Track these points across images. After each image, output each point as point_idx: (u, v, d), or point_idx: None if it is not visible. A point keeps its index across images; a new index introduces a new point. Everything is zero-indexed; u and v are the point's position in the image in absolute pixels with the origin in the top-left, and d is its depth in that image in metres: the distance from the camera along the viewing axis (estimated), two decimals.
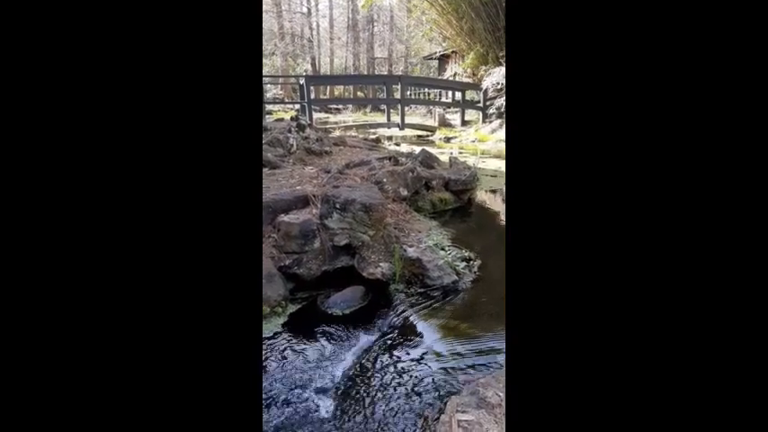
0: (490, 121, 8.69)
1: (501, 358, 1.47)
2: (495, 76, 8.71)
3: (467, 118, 9.47)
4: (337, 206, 2.15)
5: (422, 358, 1.52)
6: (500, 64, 9.08)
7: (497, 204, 3.54)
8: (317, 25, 22.00)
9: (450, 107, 10.38)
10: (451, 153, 5.64)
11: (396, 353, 1.56)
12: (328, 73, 21.18)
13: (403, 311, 1.83)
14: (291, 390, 1.36)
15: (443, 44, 13.14)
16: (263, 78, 11.78)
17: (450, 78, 12.39)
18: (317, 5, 21.81)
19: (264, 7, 16.80)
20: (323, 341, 1.64)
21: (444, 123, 9.50)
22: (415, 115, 11.90)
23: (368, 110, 14.59)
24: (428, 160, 3.69)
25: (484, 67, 9.73)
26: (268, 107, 10.26)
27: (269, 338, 1.65)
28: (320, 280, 2.07)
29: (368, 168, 3.25)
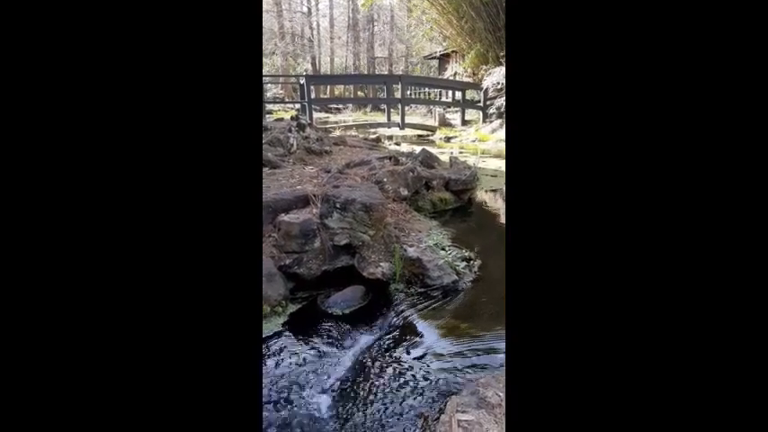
0: (490, 121, 8.69)
1: (501, 358, 1.47)
2: (496, 76, 8.71)
3: (467, 118, 9.47)
4: (337, 206, 2.15)
5: (422, 358, 1.52)
6: (500, 64, 9.07)
7: (498, 204, 3.54)
8: (318, 25, 22.00)
9: (450, 107, 10.38)
10: (452, 153, 5.63)
11: (396, 353, 1.56)
12: (328, 72, 21.18)
13: (403, 311, 1.83)
14: (291, 389, 1.36)
15: (444, 44, 13.13)
16: (264, 78, 11.78)
17: (451, 78, 12.39)
18: (317, 5, 21.81)
19: (265, 7, 16.80)
20: (323, 341, 1.64)
21: (445, 123, 9.49)
22: (416, 115, 11.90)
23: (368, 109, 14.59)
24: (428, 160, 3.69)
25: (484, 67, 9.73)
26: (268, 107, 10.26)
27: (269, 338, 1.65)
28: (320, 279, 2.07)
29: (368, 168, 3.24)
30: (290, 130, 4.25)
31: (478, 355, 1.53)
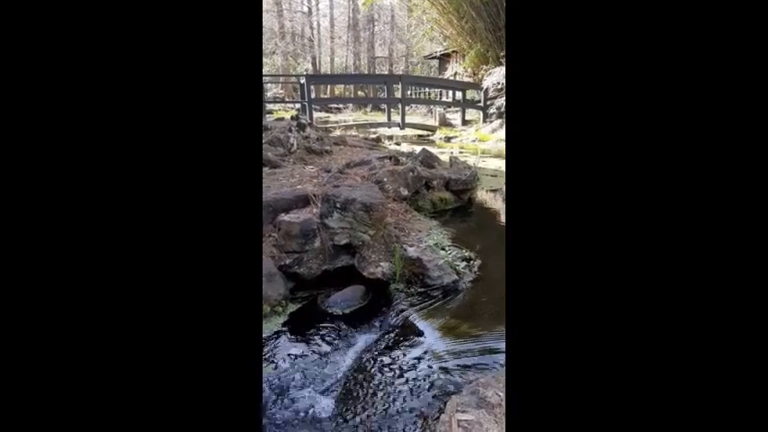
0: (491, 121, 8.68)
1: (501, 358, 1.48)
2: (496, 76, 8.71)
3: (467, 117, 9.47)
4: (338, 205, 2.15)
5: (422, 358, 1.52)
6: (501, 63, 9.07)
7: (498, 204, 3.54)
8: (318, 24, 22.00)
9: (450, 107, 10.38)
10: (452, 153, 5.63)
11: (396, 352, 1.56)
12: (329, 72, 21.17)
13: (403, 311, 1.83)
14: (291, 389, 1.36)
15: (444, 43, 13.12)
16: (264, 77, 11.78)
17: (451, 78, 12.38)
18: (317, 5, 21.81)
19: (265, 6, 16.80)
20: (323, 340, 1.65)
21: (445, 123, 9.49)
22: (416, 115, 11.89)
23: (368, 109, 14.59)
24: (428, 160, 3.69)
25: (484, 67, 9.73)
26: (268, 106, 10.26)
27: (269, 338, 1.65)
28: (320, 279, 2.08)
29: (368, 168, 3.24)
30: (290, 130, 4.25)
31: (478, 354, 1.53)
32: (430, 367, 1.46)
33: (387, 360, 1.51)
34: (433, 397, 1.32)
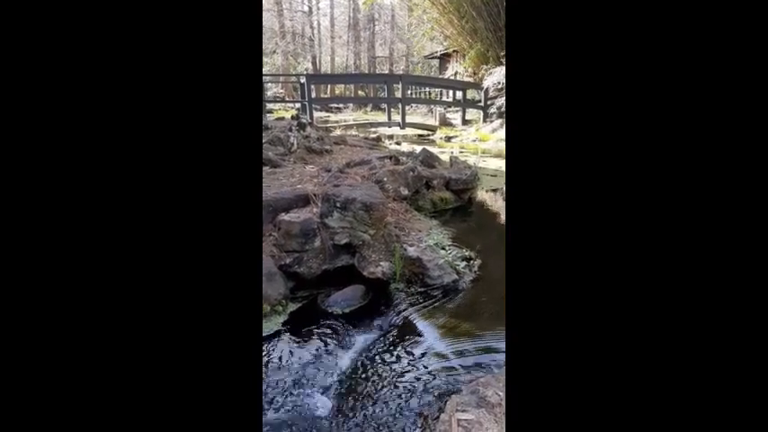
0: (491, 121, 8.68)
1: (501, 357, 1.48)
2: (496, 76, 8.70)
3: (468, 117, 9.46)
4: (338, 205, 2.15)
5: (422, 357, 1.52)
6: (501, 63, 9.06)
7: (498, 204, 3.54)
8: (318, 24, 21.99)
9: (451, 106, 10.37)
10: (452, 152, 5.63)
11: (396, 352, 1.56)
12: (329, 72, 21.16)
13: (403, 310, 1.83)
14: (291, 388, 1.36)
15: (444, 43, 13.12)
16: (264, 77, 11.77)
17: (452, 77, 12.38)
18: (317, 4, 21.81)
19: (265, 6, 16.79)
20: (323, 340, 1.65)
21: (445, 123, 9.48)
22: (416, 114, 11.89)
23: (369, 109, 14.58)
24: (429, 159, 3.69)
25: (485, 67, 9.72)
26: (269, 106, 10.26)
27: (269, 337, 1.65)
28: (320, 279, 2.08)
29: (368, 167, 3.24)
30: (290, 130, 4.25)
31: (478, 354, 1.53)
32: (430, 366, 1.46)
33: (387, 359, 1.51)
34: (433, 396, 1.32)
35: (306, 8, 21.04)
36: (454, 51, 12.52)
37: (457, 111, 9.97)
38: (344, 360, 1.51)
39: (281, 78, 16.16)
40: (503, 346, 1.51)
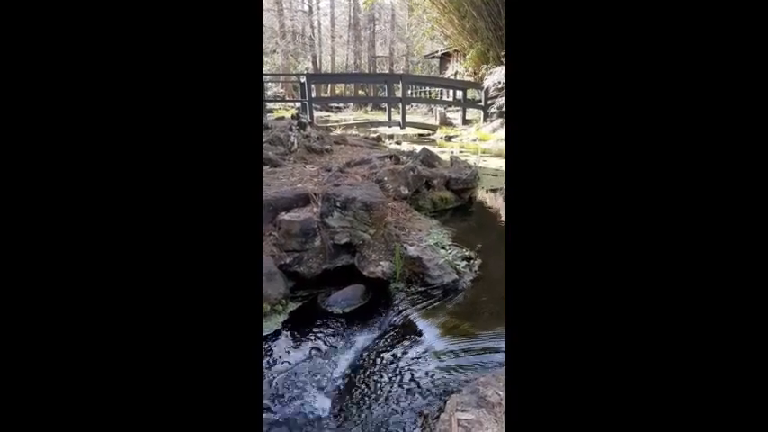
0: (491, 121, 8.67)
1: (501, 357, 1.48)
2: (497, 75, 8.69)
3: (468, 117, 9.46)
4: (338, 204, 2.15)
5: (422, 357, 1.52)
6: (501, 63, 9.05)
7: (498, 203, 3.54)
8: (319, 23, 21.98)
9: (451, 106, 10.37)
10: (452, 152, 5.63)
11: (396, 351, 1.56)
12: (329, 71, 21.14)
13: (403, 310, 1.83)
14: (291, 388, 1.36)
15: (445, 43, 13.11)
16: (264, 76, 11.76)
17: (452, 77, 12.37)
18: (318, 3, 21.80)
19: (265, 5, 16.78)
20: (323, 339, 1.65)
21: (445, 122, 9.48)
22: (416, 114, 11.88)
23: (369, 108, 14.57)
24: (429, 159, 3.69)
25: (485, 66, 9.71)
26: (269, 105, 10.25)
27: (269, 336, 1.65)
28: (321, 278, 2.08)
29: (369, 167, 3.24)
30: (290, 129, 4.25)
31: (478, 353, 1.53)
32: (430, 366, 1.46)
33: (387, 359, 1.51)
34: (433, 396, 1.32)
35: (306, 8, 21.03)
36: (455, 51, 12.51)
37: (457, 110, 9.96)
38: (344, 359, 1.52)
39: (282, 78, 16.15)
40: (503, 345, 1.51)
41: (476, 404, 1.09)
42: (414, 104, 11.71)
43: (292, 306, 1.88)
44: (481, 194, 3.73)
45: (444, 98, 11.52)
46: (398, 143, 6.45)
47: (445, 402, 1.17)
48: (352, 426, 1.21)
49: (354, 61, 21.07)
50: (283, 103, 12.19)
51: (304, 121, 4.78)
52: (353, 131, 7.29)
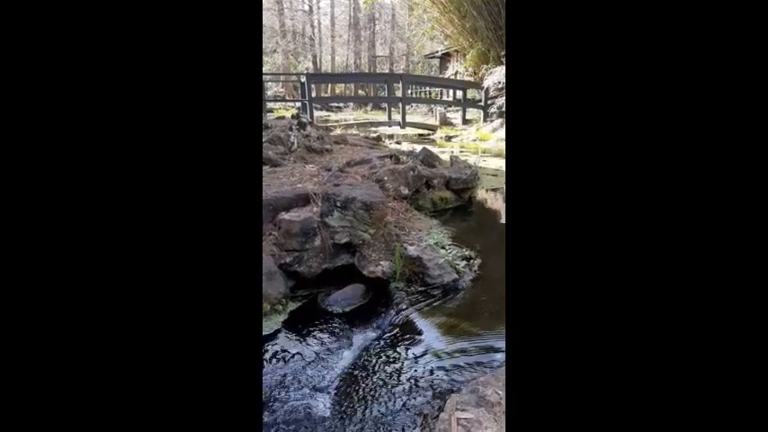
0: (491, 120, 8.67)
1: (501, 357, 1.48)
2: (497, 75, 8.69)
3: (468, 117, 9.45)
4: (338, 204, 2.15)
5: (422, 356, 1.52)
6: (501, 63, 9.04)
7: (498, 203, 3.54)
8: (319, 23, 21.97)
9: (451, 106, 10.36)
10: (452, 152, 5.63)
11: (396, 351, 1.56)
12: (329, 71, 21.13)
13: (403, 310, 1.83)
14: (291, 387, 1.36)
15: (445, 43, 13.11)
16: (264, 76, 11.75)
17: (452, 77, 12.36)
18: (318, 3, 21.79)
19: (266, 5, 16.76)
20: (323, 339, 1.65)
21: (445, 122, 9.47)
22: (417, 114, 11.88)
23: (369, 108, 14.56)
24: (429, 159, 3.69)
25: (485, 66, 9.71)
26: (269, 105, 10.24)
27: (269, 336, 1.65)
28: (321, 278, 2.08)
29: (369, 167, 3.25)
30: (290, 129, 4.25)
31: (478, 353, 1.53)
32: (429, 366, 1.47)
33: (387, 358, 1.51)
34: (433, 395, 1.32)
35: (306, 7, 21.02)
36: (455, 51, 12.51)
37: (457, 110, 9.95)
38: (344, 359, 1.52)
39: (282, 77, 16.15)
40: (502, 345, 1.51)
41: (475, 404, 1.09)
42: (414, 104, 11.70)
43: (292, 306, 1.88)
44: (481, 194, 3.73)
45: (444, 98, 11.52)
46: (398, 143, 6.45)
47: (445, 402, 1.17)
48: (351, 425, 1.21)
49: (354, 61, 21.06)
50: (283, 103, 12.18)
51: (304, 120, 4.78)
52: (353, 131, 7.29)
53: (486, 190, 3.89)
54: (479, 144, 6.97)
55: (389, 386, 1.37)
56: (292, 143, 4.08)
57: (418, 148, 4.44)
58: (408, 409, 1.27)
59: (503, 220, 3.02)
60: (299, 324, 1.75)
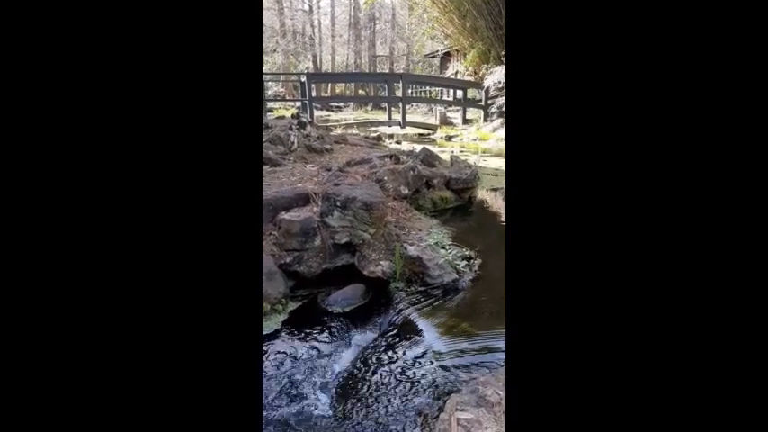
0: (491, 120, 8.66)
1: (501, 357, 1.48)
2: (497, 75, 8.68)
3: (468, 116, 9.45)
4: (338, 204, 2.15)
5: (422, 356, 1.52)
6: (502, 62, 9.03)
7: (498, 203, 3.54)
8: (319, 23, 21.96)
9: (451, 105, 10.36)
10: (452, 152, 5.63)
11: (396, 351, 1.56)
12: (329, 70, 21.12)
13: (403, 310, 1.83)
14: (291, 387, 1.36)
15: (445, 42, 13.10)
16: (265, 76, 11.74)
17: (452, 77, 12.36)
18: (318, 3, 21.78)
19: (266, 4, 16.75)
20: (323, 339, 1.65)
21: (446, 122, 9.47)
22: (417, 113, 11.87)
23: (369, 108, 14.55)
24: (429, 159, 3.69)
25: (486, 66, 9.70)
26: (269, 104, 10.24)
27: (269, 336, 1.66)
28: (321, 278, 2.08)
29: (369, 166, 3.24)
30: (290, 129, 4.25)
31: (478, 353, 1.53)
32: (430, 366, 1.47)
33: (387, 358, 1.51)
34: (433, 395, 1.32)
35: (306, 7, 21.01)
36: (455, 50, 12.51)
37: (457, 110, 9.95)
38: (344, 359, 1.52)
39: (282, 77, 16.14)
40: (502, 345, 1.51)
41: (475, 403, 1.09)
42: (414, 104, 11.70)
43: (292, 305, 1.88)
44: (481, 194, 3.73)
45: (445, 98, 11.52)
46: (398, 143, 6.45)
47: (445, 402, 1.17)
48: (351, 425, 1.21)
49: (355, 60, 21.06)
50: (283, 103, 12.18)
51: (304, 120, 4.78)
52: (354, 131, 7.29)
53: (487, 190, 3.89)
54: (479, 144, 6.97)
55: (389, 386, 1.37)
56: (292, 143, 4.08)
57: (418, 147, 4.44)
58: (408, 409, 1.27)
59: (503, 220, 3.02)
60: (299, 324, 1.75)
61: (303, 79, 8.57)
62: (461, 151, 6.13)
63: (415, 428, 1.20)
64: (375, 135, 6.78)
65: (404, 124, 8.71)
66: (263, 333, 1.65)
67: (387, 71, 19.01)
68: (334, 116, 11.98)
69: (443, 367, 1.46)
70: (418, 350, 1.56)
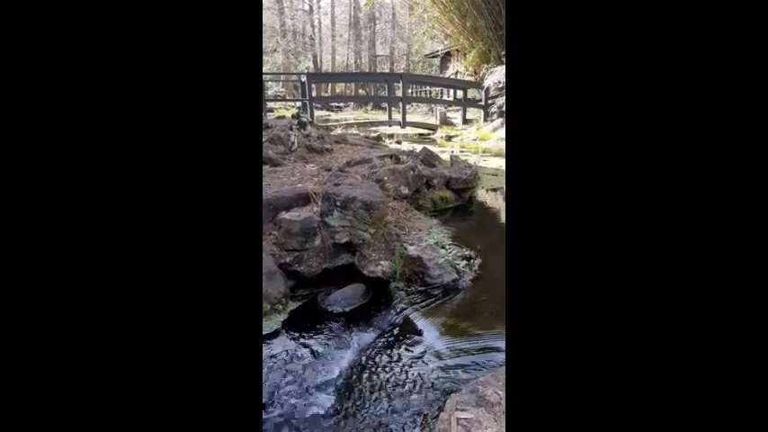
0: (492, 120, 8.66)
1: (501, 357, 1.48)
2: (497, 75, 8.67)
3: (468, 116, 9.45)
4: (338, 204, 2.15)
5: (421, 356, 1.52)
6: (502, 62, 9.03)
7: (498, 203, 3.54)
8: (319, 23, 21.96)
9: (451, 105, 10.36)
10: (453, 151, 5.63)
11: (395, 351, 1.56)
12: (330, 70, 21.12)
13: (403, 309, 1.83)
14: (291, 387, 1.36)
15: (445, 42, 13.09)
16: (265, 76, 11.74)
17: (452, 77, 12.36)
18: (318, 3, 21.78)
19: (266, 4, 16.75)
20: (323, 338, 1.65)
21: (446, 122, 9.47)
22: (417, 113, 11.87)
23: (369, 108, 14.55)
24: (429, 158, 3.69)
25: (486, 66, 9.69)
26: (269, 104, 10.23)
27: (269, 335, 1.66)
28: (321, 277, 2.08)
29: (369, 166, 3.24)
30: (290, 128, 4.25)
31: (478, 353, 1.53)
32: (429, 365, 1.47)
33: (386, 358, 1.51)
34: (433, 395, 1.32)
35: (306, 6, 21.01)
36: (455, 50, 12.50)
37: (457, 110, 9.95)
38: (344, 359, 1.52)
39: (282, 77, 16.14)
40: (502, 345, 1.51)
41: (475, 403, 1.09)
42: (414, 104, 11.70)
43: (292, 305, 1.88)
44: (481, 194, 3.73)
45: (445, 97, 11.52)
46: (399, 142, 6.45)
47: (445, 402, 1.17)
48: (351, 425, 1.21)
49: (355, 60, 21.06)
50: (284, 103, 12.17)
51: (304, 120, 4.78)
52: (354, 131, 7.29)
53: (487, 190, 3.89)
54: (479, 144, 6.97)
55: (389, 386, 1.37)
56: (292, 143, 4.08)
57: (418, 147, 4.44)
58: (408, 409, 1.27)
59: (503, 220, 3.02)
60: (299, 324, 1.75)
61: (303, 79, 8.57)
62: (461, 151, 6.13)
63: (414, 428, 1.20)
64: (375, 135, 6.78)
65: (404, 124, 8.71)
66: (263, 333, 1.65)
67: (387, 71, 19.01)
68: (334, 116, 11.98)
69: (443, 367, 1.46)
70: (418, 350, 1.56)
